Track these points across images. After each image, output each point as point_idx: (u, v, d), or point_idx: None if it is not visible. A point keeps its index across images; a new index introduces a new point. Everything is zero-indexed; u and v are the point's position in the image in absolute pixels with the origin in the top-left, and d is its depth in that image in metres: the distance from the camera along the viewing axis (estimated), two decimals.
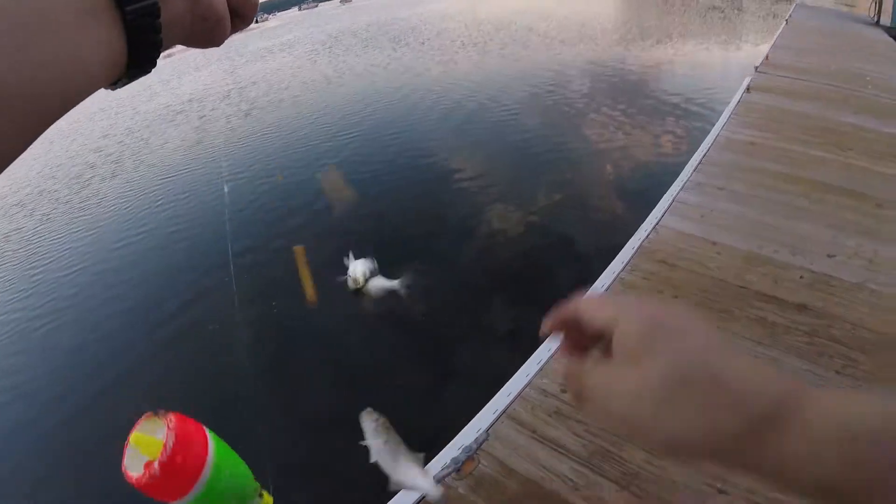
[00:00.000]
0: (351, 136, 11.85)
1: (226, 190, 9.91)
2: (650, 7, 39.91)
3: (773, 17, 28.05)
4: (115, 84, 0.53)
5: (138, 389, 5.29)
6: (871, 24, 23.28)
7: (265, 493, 1.09)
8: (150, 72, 0.56)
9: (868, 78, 10.83)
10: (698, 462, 0.50)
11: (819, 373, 3.23)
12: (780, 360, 3.29)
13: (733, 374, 0.50)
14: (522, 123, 11.67)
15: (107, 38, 0.47)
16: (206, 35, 0.63)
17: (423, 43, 26.26)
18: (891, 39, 18.26)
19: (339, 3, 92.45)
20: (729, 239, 4.58)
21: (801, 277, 4.11)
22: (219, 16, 0.62)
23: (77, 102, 0.46)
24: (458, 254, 6.63)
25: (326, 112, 14.25)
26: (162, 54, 0.55)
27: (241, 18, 0.69)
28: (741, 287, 3.97)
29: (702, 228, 4.73)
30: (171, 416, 0.94)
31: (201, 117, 15.89)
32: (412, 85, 16.24)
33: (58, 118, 0.45)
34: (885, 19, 23.70)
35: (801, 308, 3.77)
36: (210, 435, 0.99)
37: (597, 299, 0.64)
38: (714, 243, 4.51)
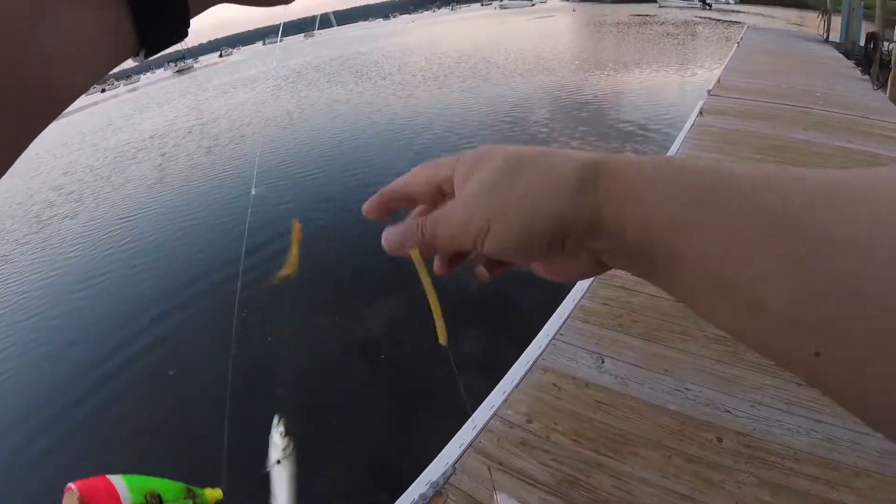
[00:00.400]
0: (312, 171, 11.80)
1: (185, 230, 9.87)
2: (606, 36, 40.61)
3: (726, 40, 28.53)
4: (139, 55, 0.39)
5: (85, 447, 5.21)
6: (820, 42, 23.76)
7: (199, 490, 1.07)
8: (182, 39, 0.42)
9: (818, 94, 11.06)
10: (556, 254, 0.47)
11: (780, 386, 3.24)
12: (740, 377, 3.30)
13: (548, 155, 0.48)
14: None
15: (90, 15, 0.33)
16: None
17: (384, 77, 26.41)
18: (840, 55, 18.64)
19: (302, 38, 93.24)
20: None
21: None
22: None
23: (74, 94, 0.35)
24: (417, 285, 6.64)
25: (289, 148, 14.19)
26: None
27: None
28: None
29: None
30: (75, 486, 0.93)
31: (163, 154, 15.73)
32: (374, 119, 16.30)
33: (49, 118, 0.35)
34: (834, 36, 24.21)
35: None
36: (118, 478, 0.98)
37: (424, 165, 0.59)
38: None
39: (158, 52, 0.40)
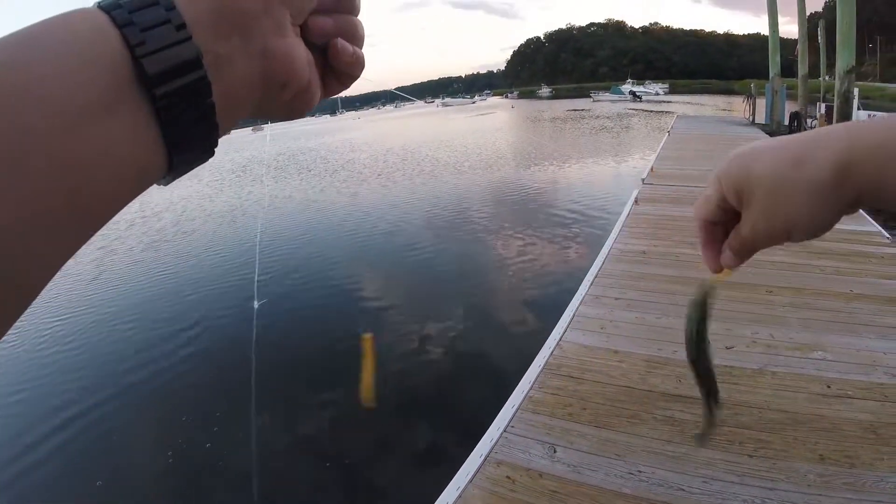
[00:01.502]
0: (258, 268, 11.65)
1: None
2: (545, 131, 41.57)
3: (658, 130, 29.36)
4: (164, 179, 0.42)
5: None
6: (747, 125, 24.63)
7: None
8: (209, 158, 0.44)
9: None
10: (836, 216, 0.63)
11: (732, 459, 3.27)
12: (691, 455, 3.33)
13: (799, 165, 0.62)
14: (427, 248, 11.92)
15: (130, 133, 0.35)
16: (286, 105, 0.49)
17: (332, 174, 26.50)
18: (767, 136, 19.28)
19: (250, 132, 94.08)
20: (630, 346, 4.68)
21: None
22: (301, 81, 0.47)
23: (107, 214, 0.36)
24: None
25: (231, 245, 14.02)
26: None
27: (340, 79, 0.54)
28: (647, 391, 4.03)
29: (603, 339, 4.83)
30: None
31: (100, 248, 15.43)
32: (319, 215, 16.29)
33: (76, 246, 0.35)
34: (760, 118, 25.13)
35: None
36: None
37: (698, 205, 0.77)
38: (616, 352, 4.59)
39: (185, 172, 0.43)
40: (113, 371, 7.51)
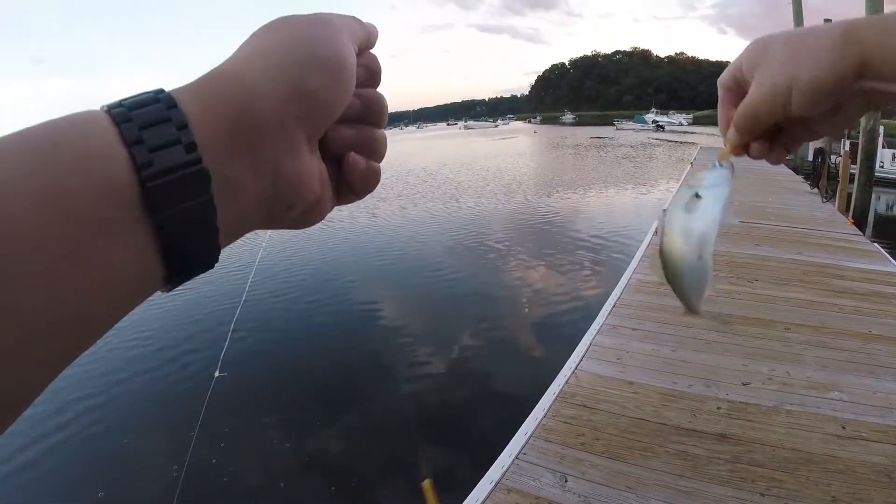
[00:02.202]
0: (273, 285, 11.60)
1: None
2: (566, 158, 41.53)
3: (680, 161, 29.32)
4: (167, 287, 0.40)
5: None
6: None
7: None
8: (210, 268, 0.41)
9: (770, 210, 11.39)
10: (837, 99, 0.65)
11: (744, 497, 3.26)
12: (702, 491, 3.32)
13: (814, 30, 0.65)
14: (445, 271, 11.91)
15: (131, 256, 0.34)
16: (292, 221, 0.47)
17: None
18: (790, 171, 19.21)
19: None
20: (645, 378, 4.66)
21: (718, 408, 4.19)
22: (310, 200, 0.46)
23: (97, 336, 0.35)
24: (381, 399, 6.63)
25: (242, 266, 13.85)
26: None
27: (354, 190, 0.53)
28: (660, 424, 4.02)
29: (618, 370, 4.81)
30: None
31: None
32: (337, 237, 16.20)
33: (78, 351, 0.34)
34: None
35: (721, 437, 3.83)
36: None
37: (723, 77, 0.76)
38: (631, 383, 4.58)
39: (184, 282, 0.40)
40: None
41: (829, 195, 13.91)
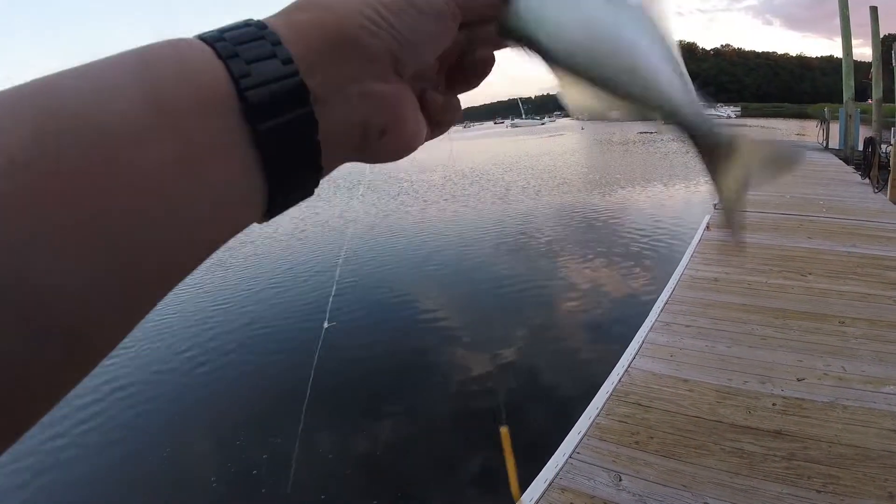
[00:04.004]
0: (325, 286, 11.59)
1: None
2: (614, 154, 41.33)
3: None
4: (265, 215, 0.40)
5: None
6: (820, 150, 24.10)
7: None
8: (309, 196, 0.42)
9: (821, 202, 11.26)
10: None
11: (800, 494, 3.25)
12: (758, 489, 3.31)
13: None
14: (495, 269, 11.90)
15: (234, 171, 0.34)
16: (387, 148, 0.45)
17: (397, 195, 25.88)
18: (840, 161, 18.93)
19: None
20: (699, 375, 4.65)
21: (773, 405, 4.17)
22: (404, 128, 0.45)
23: (200, 261, 0.35)
24: (430, 397, 6.67)
25: (299, 263, 13.85)
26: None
27: (436, 126, 0.51)
28: (715, 421, 4.01)
29: (672, 367, 4.81)
30: None
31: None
32: (387, 235, 16.19)
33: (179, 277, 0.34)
34: (833, 143, 24.61)
35: (777, 434, 3.82)
36: None
37: None
38: (685, 381, 4.57)
39: (280, 213, 0.41)
40: (169, 378, 7.67)
41: (880, 185, 13.66)
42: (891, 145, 15.00)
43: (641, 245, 12.78)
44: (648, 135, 55.70)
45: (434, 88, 0.51)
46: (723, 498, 3.26)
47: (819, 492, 3.26)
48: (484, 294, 10.47)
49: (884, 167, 14.65)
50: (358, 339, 8.42)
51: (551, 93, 0.53)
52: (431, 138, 0.53)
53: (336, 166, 0.44)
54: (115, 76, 0.31)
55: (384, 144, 0.44)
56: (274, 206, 0.39)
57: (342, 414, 6.32)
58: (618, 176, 26.85)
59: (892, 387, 4.29)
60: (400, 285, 11.30)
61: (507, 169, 35.10)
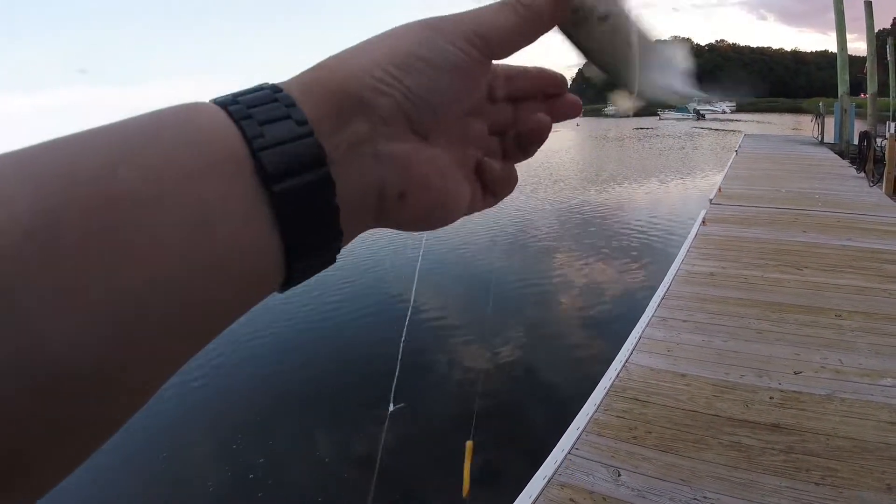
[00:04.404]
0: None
1: None
2: (610, 150, 41.35)
3: (725, 149, 29.04)
4: (285, 283, 0.38)
5: None
6: (815, 144, 24.17)
7: None
8: (331, 263, 0.40)
9: (817, 196, 11.30)
10: None
11: (798, 487, 3.25)
12: (757, 482, 3.32)
13: None
14: (491, 267, 11.82)
15: (248, 235, 0.33)
16: (410, 212, 0.43)
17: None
18: (835, 155, 18.97)
19: None
20: (696, 370, 4.66)
21: (770, 398, 4.18)
22: (423, 190, 0.43)
23: (217, 330, 0.34)
24: (426, 394, 6.67)
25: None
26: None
27: (491, 195, 0.50)
28: (713, 415, 4.02)
29: (669, 362, 4.82)
30: None
31: None
32: (378, 235, 16.06)
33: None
34: (828, 137, 24.66)
35: (774, 427, 3.83)
36: None
37: None
38: (683, 375, 4.58)
39: (300, 282, 0.39)
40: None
41: (875, 179, 13.67)
42: (886, 139, 15.03)
43: (638, 241, 12.84)
44: (644, 130, 55.69)
45: (491, 156, 0.49)
46: (721, 491, 3.27)
47: (817, 484, 3.27)
48: (479, 292, 10.45)
49: (879, 161, 14.67)
50: (353, 336, 8.43)
51: None
52: (484, 208, 0.51)
53: (358, 232, 0.42)
54: (125, 140, 0.31)
55: (405, 208, 0.42)
56: (293, 272, 0.36)
57: (340, 413, 6.34)
58: (614, 171, 26.92)
59: (889, 379, 4.31)
60: (393, 282, 11.29)
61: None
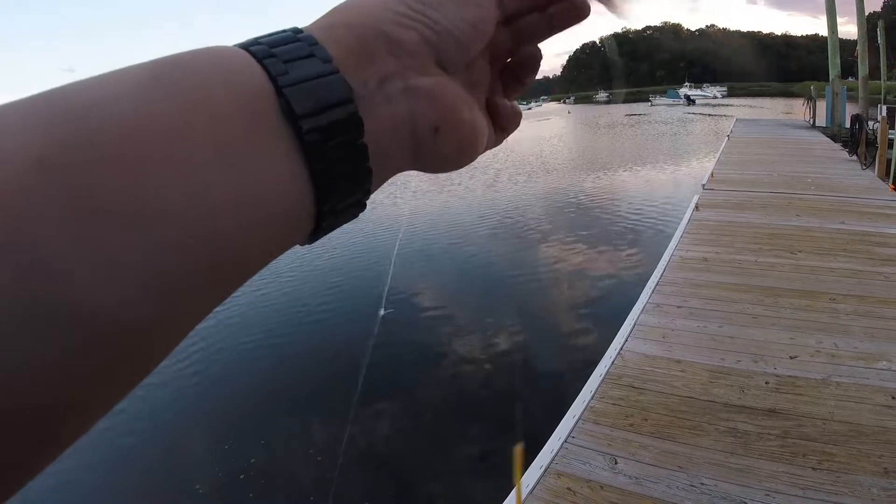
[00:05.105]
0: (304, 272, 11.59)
1: None
2: (601, 137, 41.36)
3: (717, 134, 29.10)
4: (311, 236, 0.37)
5: None
6: (807, 128, 24.19)
7: None
8: (359, 213, 0.39)
9: (809, 179, 11.30)
10: None
11: (795, 472, 3.25)
12: (754, 468, 3.32)
13: None
14: (485, 256, 11.96)
15: (277, 172, 0.32)
16: (446, 148, 0.41)
17: (385, 186, 26.03)
18: (827, 139, 18.98)
19: None
20: (691, 355, 4.66)
21: (766, 383, 4.18)
22: (457, 123, 0.41)
23: (247, 274, 0.33)
24: (422, 386, 6.72)
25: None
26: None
27: (501, 132, 0.49)
28: (709, 401, 4.01)
29: (664, 349, 4.81)
30: None
31: None
32: (374, 225, 16.04)
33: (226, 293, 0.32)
34: (820, 121, 24.69)
35: (770, 413, 3.83)
36: None
37: None
38: (678, 362, 4.57)
39: (331, 230, 0.38)
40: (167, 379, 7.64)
41: (868, 162, 13.70)
42: (877, 122, 15.04)
43: (631, 227, 12.86)
44: (635, 116, 55.72)
45: (496, 92, 0.49)
46: (718, 477, 3.27)
47: (814, 469, 3.27)
48: (474, 281, 10.46)
49: (871, 144, 14.71)
50: (350, 331, 8.42)
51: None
52: (494, 146, 0.50)
53: (390, 175, 0.41)
54: (154, 77, 0.30)
55: (441, 144, 0.41)
56: (323, 217, 0.35)
57: (337, 406, 6.32)
58: (606, 158, 26.95)
59: (884, 363, 4.31)
60: (388, 274, 11.27)
61: (494, 155, 35.05)
